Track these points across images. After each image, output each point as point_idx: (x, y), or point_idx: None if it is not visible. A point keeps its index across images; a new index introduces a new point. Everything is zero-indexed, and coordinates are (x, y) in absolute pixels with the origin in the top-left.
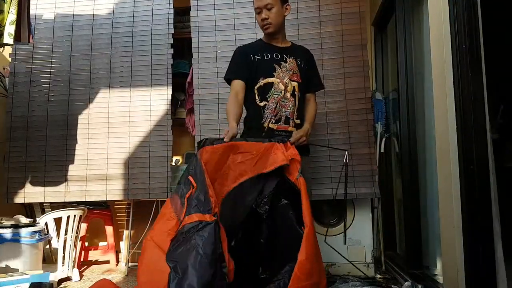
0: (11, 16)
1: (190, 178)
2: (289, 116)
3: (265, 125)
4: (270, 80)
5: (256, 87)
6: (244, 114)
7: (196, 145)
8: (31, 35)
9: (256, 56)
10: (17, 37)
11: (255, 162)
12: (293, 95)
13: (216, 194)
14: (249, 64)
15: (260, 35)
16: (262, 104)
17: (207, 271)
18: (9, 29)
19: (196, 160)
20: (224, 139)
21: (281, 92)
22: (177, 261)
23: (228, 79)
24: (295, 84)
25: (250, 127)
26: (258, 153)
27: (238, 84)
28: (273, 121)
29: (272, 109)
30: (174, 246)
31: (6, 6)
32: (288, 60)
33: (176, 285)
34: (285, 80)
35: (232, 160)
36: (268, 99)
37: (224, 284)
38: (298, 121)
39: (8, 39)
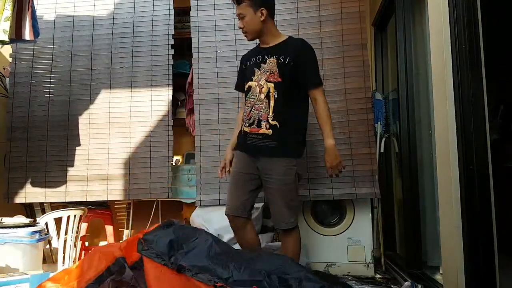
0: (6, 12)
1: None
2: (261, 118)
3: (242, 128)
4: (249, 84)
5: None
6: None
7: (195, 144)
8: (33, 33)
9: (248, 62)
10: (17, 35)
11: None
12: (267, 96)
13: None
14: (240, 74)
15: None
16: (246, 108)
17: None
18: (4, 26)
19: None
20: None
21: (256, 95)
22: None
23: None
24: (270, 85)
25: (239, 131)
26: None
27: (242, 98)
28: (247, 124)
29: (247, 113)
30: None
31: (1, 3)
32: (268, 61)
33: None
34: (260, 82)
35: None
36: (246, 103)
37: None
38: (274, 123)
39: (3, 35)
